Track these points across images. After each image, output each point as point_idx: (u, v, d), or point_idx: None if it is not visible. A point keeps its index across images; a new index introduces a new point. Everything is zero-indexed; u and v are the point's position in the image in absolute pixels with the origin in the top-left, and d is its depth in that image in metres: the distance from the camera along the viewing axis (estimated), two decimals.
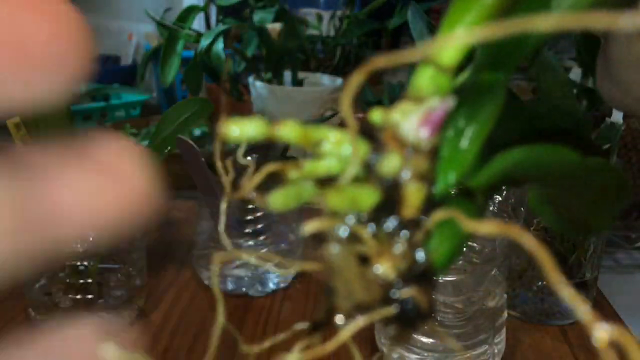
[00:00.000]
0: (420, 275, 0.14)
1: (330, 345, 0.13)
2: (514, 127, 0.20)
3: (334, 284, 0.14)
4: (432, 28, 0.34)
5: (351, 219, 0.14)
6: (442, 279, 0.38)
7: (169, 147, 0.43)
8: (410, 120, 0.13)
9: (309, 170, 0.14)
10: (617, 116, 0.46)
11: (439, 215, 0.14)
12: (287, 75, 0.84)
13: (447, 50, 0.14)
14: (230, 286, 0.51)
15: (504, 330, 0.41)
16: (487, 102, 0.15)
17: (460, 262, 0.39)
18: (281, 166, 0.14)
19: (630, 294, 0.56)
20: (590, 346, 0.44)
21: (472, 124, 0.15)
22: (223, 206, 0.15)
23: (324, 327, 0.15)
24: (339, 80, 0.85)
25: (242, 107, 0.84)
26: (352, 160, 0.13)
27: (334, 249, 0.14)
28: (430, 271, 0.14)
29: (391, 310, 0.14)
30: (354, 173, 0.14)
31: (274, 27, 0.80)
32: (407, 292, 0.14)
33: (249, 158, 0.14)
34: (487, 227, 0.12)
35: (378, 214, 0.14)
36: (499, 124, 0.15)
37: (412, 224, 0.14)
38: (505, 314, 0.41)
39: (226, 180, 0.15)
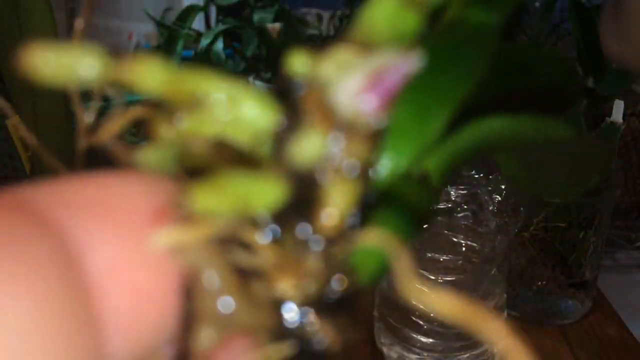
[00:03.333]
0: (336, 304, 0.09)
1: None
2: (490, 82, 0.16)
3: (196, 302, 0.09)
4: None
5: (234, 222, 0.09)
6: (442, 279, 0.38)
7: None
8: (350, 81, 0.08)
9: (190, 129, 0.09)
10: (617, 116, 0.45)
11: (369, 237, 0.09)
12: None
13: None
14: None
15: None
16: (470, 50, 0.10)
17: (460, 262, 0.39)
18: (149, 113, 0.09)
19: (630, 294, 0.56)
20: (590, 346, 0.44)
21: (444, 78, 0.10)
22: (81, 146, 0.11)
23: None
24: None
25: None
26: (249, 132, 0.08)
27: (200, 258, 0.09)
28: (351, 297, 0.10)
29: (285, 349, 0.09)
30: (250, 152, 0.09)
31: (274, 27, 0.80)
32: (312, 326, 0.09)
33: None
34: (442, 306, 0.08)
35: (283, 216, 0.09)
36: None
37: (332, 238, 0.09)
38: (505, 314, 0.41)
39: (82, 123, 0.11)
